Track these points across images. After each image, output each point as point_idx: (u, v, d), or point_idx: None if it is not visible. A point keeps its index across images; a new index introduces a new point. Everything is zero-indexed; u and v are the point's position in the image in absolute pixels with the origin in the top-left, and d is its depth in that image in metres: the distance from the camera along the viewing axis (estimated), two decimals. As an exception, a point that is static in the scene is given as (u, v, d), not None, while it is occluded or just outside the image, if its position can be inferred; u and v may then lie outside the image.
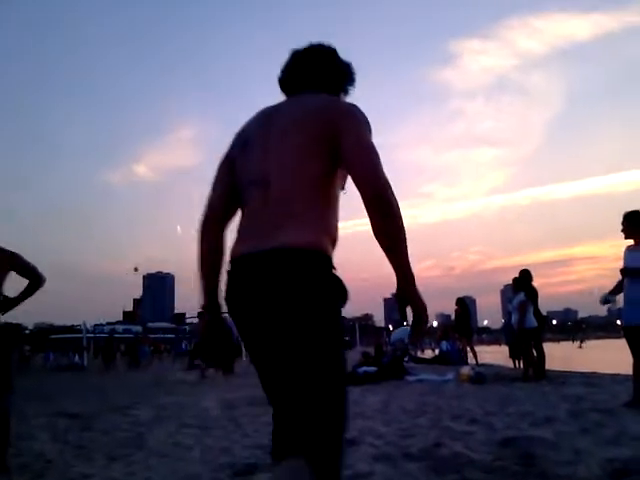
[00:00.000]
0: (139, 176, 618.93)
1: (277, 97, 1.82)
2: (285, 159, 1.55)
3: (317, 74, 1.78)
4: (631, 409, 4.98)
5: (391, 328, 12.88)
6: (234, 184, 1.67)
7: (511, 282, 9.68)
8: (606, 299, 5.51)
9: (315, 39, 1.84)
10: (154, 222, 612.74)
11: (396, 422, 4.88)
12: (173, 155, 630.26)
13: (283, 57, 1.84)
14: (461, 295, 15.96)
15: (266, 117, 1.69)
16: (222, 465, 3.42)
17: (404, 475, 2.81)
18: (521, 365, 10.41)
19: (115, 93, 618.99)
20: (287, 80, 1.81)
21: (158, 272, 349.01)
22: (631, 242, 5.24)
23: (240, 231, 1.61)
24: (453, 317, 14.48)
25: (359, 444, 3.86)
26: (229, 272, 1.57)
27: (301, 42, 1.83)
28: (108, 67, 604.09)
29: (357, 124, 1.57)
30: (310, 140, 1.55)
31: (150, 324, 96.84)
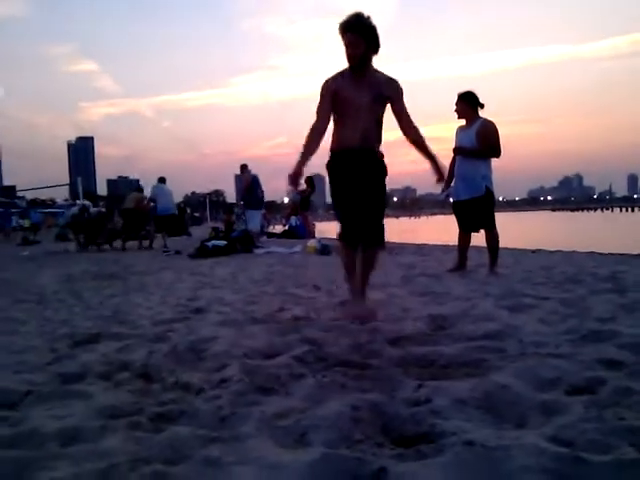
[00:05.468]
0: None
1: None
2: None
3: None
4: (453, 274, 5.57)
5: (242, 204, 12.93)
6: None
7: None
8: (445, 195, 5.86)
9: None
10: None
11: (244, 291, 5.02)
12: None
13: None
14: (311, 173, 16.44)
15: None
16: (61, 335, 3.30)
17: (247, 337, 2.91)
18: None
19: None
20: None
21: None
22: (463, 122, 5.52)
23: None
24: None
25: (206, 312, 3.93)
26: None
27: None
28: None
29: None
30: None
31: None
